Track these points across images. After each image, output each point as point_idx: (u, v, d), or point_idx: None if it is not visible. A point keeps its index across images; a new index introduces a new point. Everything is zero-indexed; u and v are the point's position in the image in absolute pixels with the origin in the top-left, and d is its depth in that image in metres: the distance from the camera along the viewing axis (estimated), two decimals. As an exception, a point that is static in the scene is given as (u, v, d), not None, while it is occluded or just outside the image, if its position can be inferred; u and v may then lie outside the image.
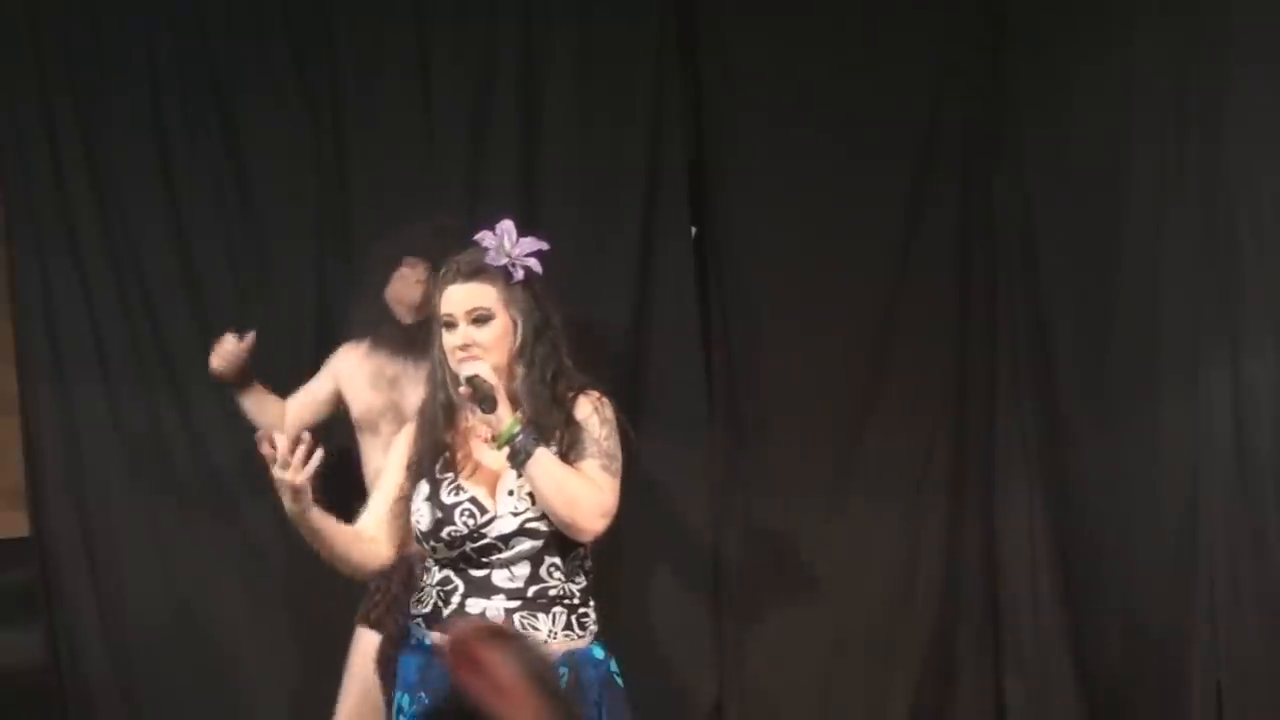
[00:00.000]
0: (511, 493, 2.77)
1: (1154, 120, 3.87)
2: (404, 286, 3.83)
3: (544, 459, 2.72)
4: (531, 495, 2.76)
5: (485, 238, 2.84)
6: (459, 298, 2.80)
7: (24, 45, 4.29)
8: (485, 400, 2.71)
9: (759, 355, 4.51)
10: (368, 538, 2.85)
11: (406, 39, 4.40)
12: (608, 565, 4.37)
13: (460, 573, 2.79)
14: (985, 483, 4.58)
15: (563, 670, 2.74)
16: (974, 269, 4.57)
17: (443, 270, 2.86)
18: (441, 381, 2.84)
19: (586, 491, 2.75)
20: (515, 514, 2.76)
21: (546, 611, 2.77)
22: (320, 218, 4.41)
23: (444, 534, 2.77)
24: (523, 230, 2.85)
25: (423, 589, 2.86)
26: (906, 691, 4.51)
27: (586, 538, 2.78)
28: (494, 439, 2.74)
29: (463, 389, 2.74)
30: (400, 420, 3.55)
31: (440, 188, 4.38)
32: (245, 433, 4.31)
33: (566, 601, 2.79)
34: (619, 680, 2.86)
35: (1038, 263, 4.42)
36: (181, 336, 4.34)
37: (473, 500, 2.77)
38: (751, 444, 4.52)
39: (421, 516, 2.80)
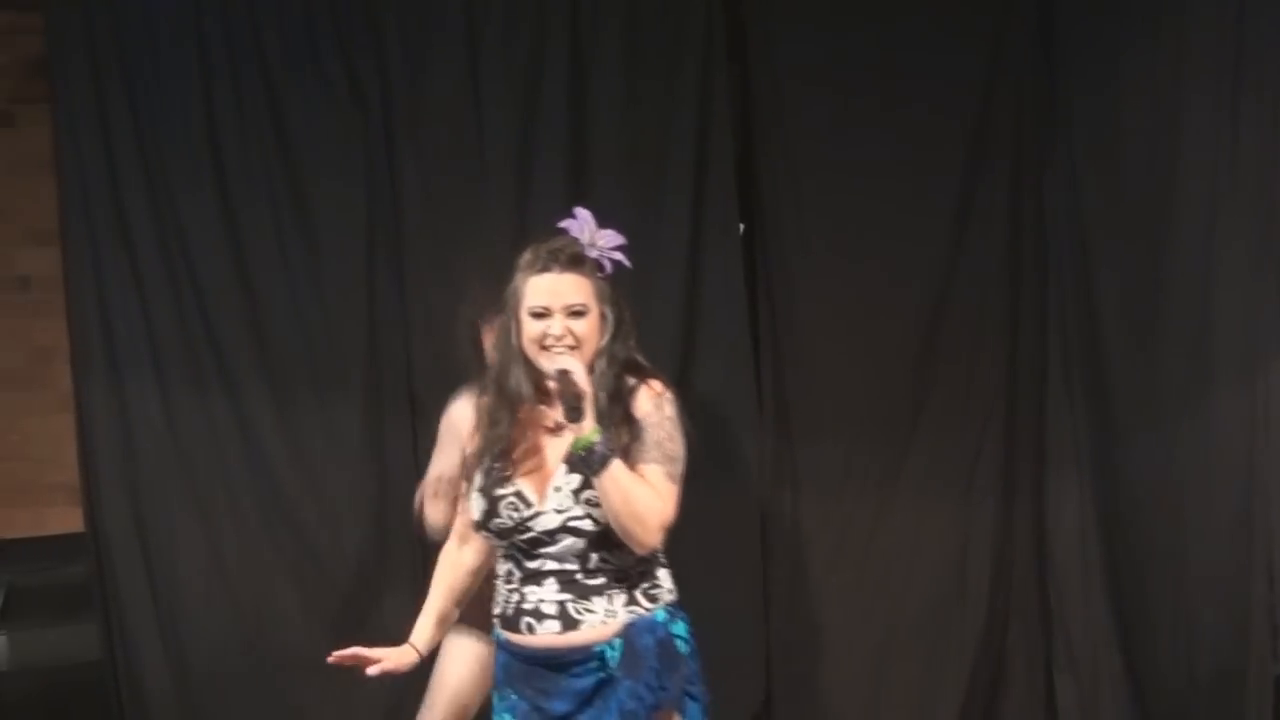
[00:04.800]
0: (559, 489, 2.75)
1: (1206, 113, 3.83)
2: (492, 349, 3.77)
3: (616, 471, 2.67)
4: (576, 494, 2.74)
5: (573, 227, 2.79)
6: (558, 288, 2.75)
7: (78, 46, 4.34)
8: (573, 409, 2.67)
9: (808, 352, 4.50)
10: (464, 550, 2.94)
11: (455, 37, 4.42)
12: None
13: (518, 564, 2.79)
14: (1036, 481, 4.55)
15: (616, 643, 2.73)
16: (1024, 266, 4.54)
17: (529, 257, 2.79)
18: (508, 370, 2.80)
19: (652, 506, 2.70)
20: (559, 511, 2.74)
21: (601, 594, 2.75)
22: (370, 216, 4.43)
23: (491, 525, 2.78)
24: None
25: (497, 582, 2.86)
26: (956, 691, 4.49)
27: (643, 551, 2.74)
28: (571, 441, 2.70)
29: (553, 383, 2.70)
30: None
31: (489, 186, 4.39)
32: (296, 429, 4.39)
33: (624, 583, 2.76)
34: (681, 644, 2.80)
35: (1089, 260, 4.38)
36: (234, 334, 4.38)
37: (518, 494, 2.76)
38: (801, 441, 4.51)
39: (474, 506, 2.80)
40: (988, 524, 4.52)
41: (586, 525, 2.73)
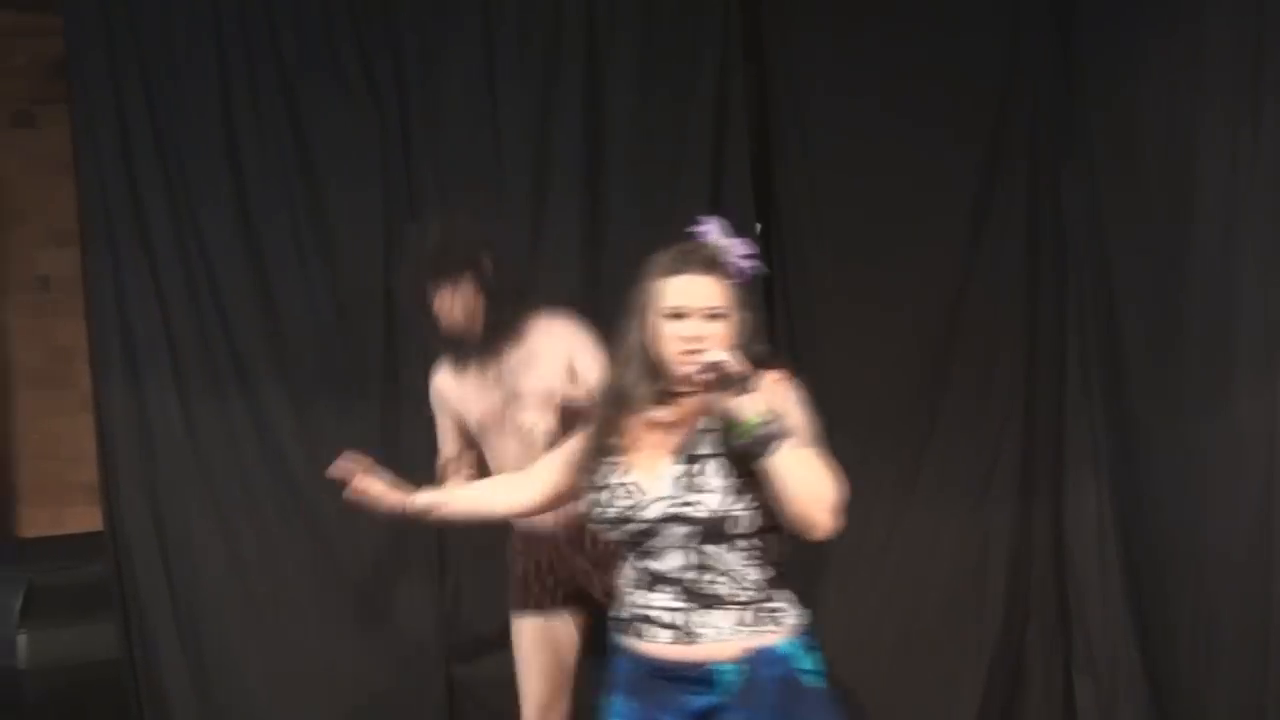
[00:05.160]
0: (663, 478, 2.70)
1: (1225, 112, 3.80)
2: (445, 313, 3.74)
3: (786, 452, 2.58)
4: (678, 480, 2.67)
5: (710, 233, 2.76)
6: (696, 290, 2.69)
7: (97, 47, 4.36)
8: (738, 385, 2.58)
9: (824, 353, 4.48)
10: (506, 488, 3.04)
11: (472, 37, 4.43)
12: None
13: (634, 565, 2.75)
14: (1054, 481, 4.53)
15: (736, 669, 2.68)
16: (1042, 266, 4.52)
17: (662, 259, 2.75)
18: (623, 372, 2.75)
19: (824, 484, 2.60)
20: (663, 498, 2.68)
21: (716, 608, 2.68)
22: (386, 216, 4.44)
23: (600, 515, 2.75)
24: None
25: (619, 585, 2.84)
26: (974, 691, 4.48)
27: (819, 535, 2.62)
28: (733, 428, 2.61)
29: (704, 375, 2.60)
30: (519, 403, 3.70)
31: (505, 187, 4.40)
32: (313, 428, 4.40)
33: (741, 597, 2.69)
34: (810, 679, 2.72)
35: (1107, 259, 4.36)
36: (252, 334, 4.40)
37: (627, 484, 2.72)
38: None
39: (589, 498, 2.77)
40: (1006, 524, 4.50)
41: (690, 511, 2.66)
